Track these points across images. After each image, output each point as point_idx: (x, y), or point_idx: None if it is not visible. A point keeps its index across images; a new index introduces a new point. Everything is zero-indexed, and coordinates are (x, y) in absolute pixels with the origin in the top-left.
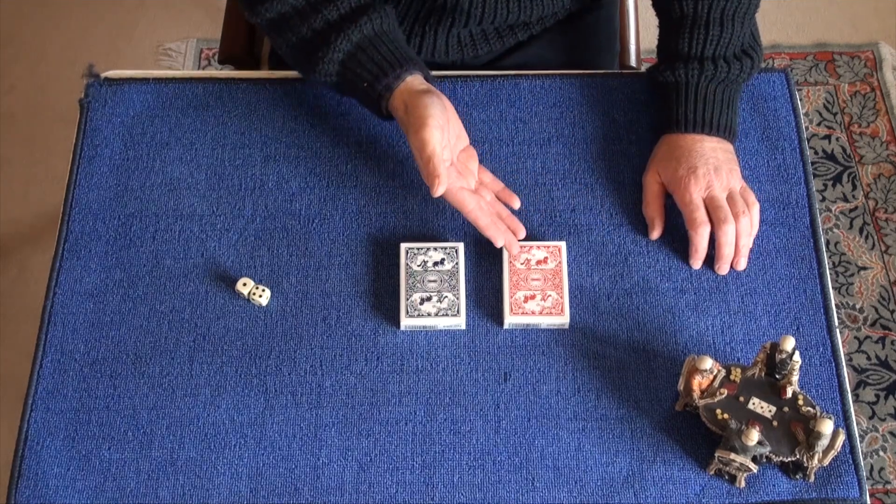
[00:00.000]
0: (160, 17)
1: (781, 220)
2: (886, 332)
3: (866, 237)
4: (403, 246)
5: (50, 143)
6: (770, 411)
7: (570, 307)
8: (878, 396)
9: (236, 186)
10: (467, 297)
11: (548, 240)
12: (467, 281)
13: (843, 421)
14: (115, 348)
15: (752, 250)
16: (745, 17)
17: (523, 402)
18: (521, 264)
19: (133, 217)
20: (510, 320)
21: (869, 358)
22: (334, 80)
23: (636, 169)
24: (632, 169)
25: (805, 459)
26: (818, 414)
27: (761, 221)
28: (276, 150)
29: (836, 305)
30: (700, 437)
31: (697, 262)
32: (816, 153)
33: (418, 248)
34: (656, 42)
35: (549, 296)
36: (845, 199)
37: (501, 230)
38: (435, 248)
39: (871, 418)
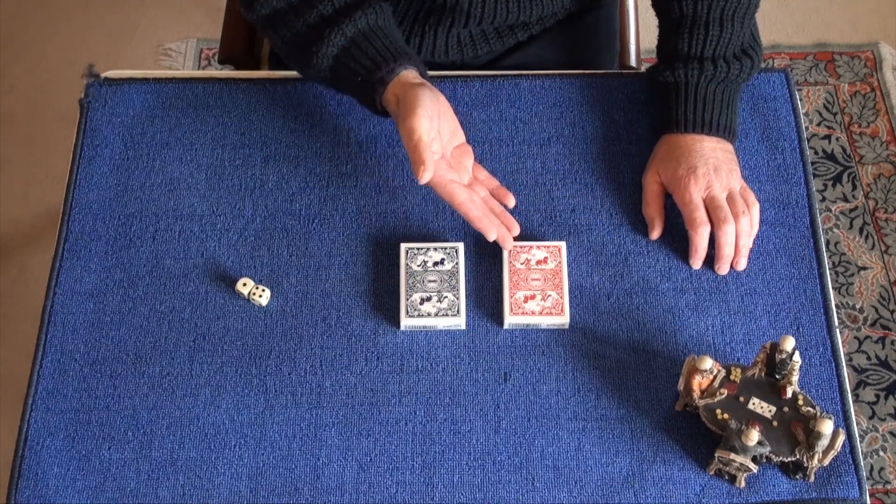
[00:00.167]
0: (160, 17)
1: (781, 220)
2: (886, 332)
3: (866, 237)
4: (403, 246)
5: (50, 143)
6: (770, 411)
7: (570, 307)
8: (878, 396)
9: (236, 186)
10: (467, 297)
11: (548, 240)
12: (467, 281)
13: (843, 421)
14: (115, 348)
15: (752, 250)
16: (744, 17)
17: (523, 402)
18: (521, 264)
19: (133, 217)
20: (510, 320)
21: (869, 358)
22: (328, 75)
23: (636, 169)
24: (632, 169)
25: (805, 459)
26: (818, 414)
27: (761, 221)
28: (276, 150)
29: (836, 305)
30: (700, 437)
31: (697, 262)
32: (816, 153)
33: (418, 248)
34: (656, 42)
35: (549, 296)
36: (845, 199)
37: (494, 223)
38: (435, 248)
39: (871, 418)
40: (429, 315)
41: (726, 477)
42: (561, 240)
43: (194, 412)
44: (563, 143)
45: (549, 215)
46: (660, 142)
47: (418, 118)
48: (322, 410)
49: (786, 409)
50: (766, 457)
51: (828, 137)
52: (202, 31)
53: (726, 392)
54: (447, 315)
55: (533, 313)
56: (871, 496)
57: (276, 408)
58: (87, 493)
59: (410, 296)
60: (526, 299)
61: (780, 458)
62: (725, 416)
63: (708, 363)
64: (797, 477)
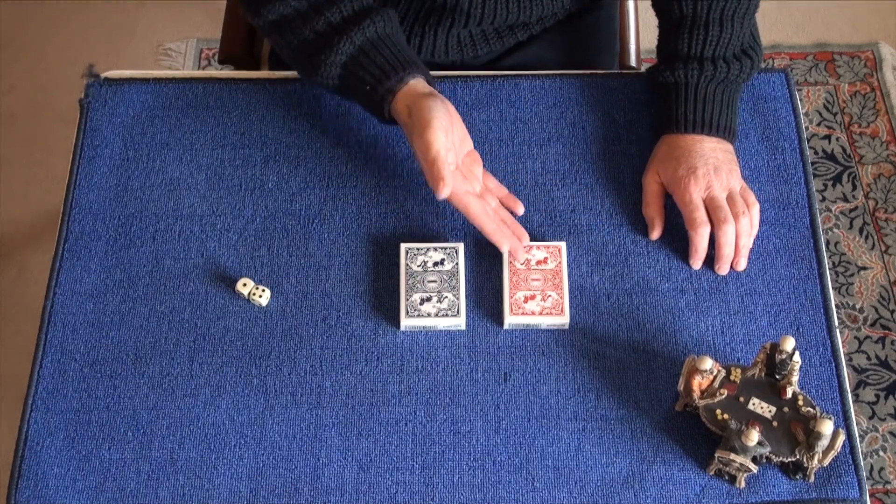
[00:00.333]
0: (160, 18)
1: (781, 220)
2: (886, 332)
3: (866, 237)
4: (403, 246)
5: (50, 143)
6: (770, 411)
7: (570, 307)
8: (878, 396)
9: (236, 186)
10: (467, 297)
11: (548, 240)
12: (467, 281)
13: (843, 421)
14: (115, 348)
15: (752, 250)
16: (744, 17)
17: (523, 402)
18: (521, 264)
19: (133, 217)
20: (510, 320)
21: (869, 358)
22: (336, 83)
23: (636, 169)
24: (632, 169)
25: (805, 460)
26: (818, 414)
27: (761, 221)
28: (276, 150)
29: (836, 305)
30: (700, 437)
31: (697, 263)
32: (816, 153)
33: (418, 249)
34: (656, 42)
35: (549, 296)
36: (845, 199)
37: (507, 235)
38: (435, 249)
39: (871, 418)
40: (429, 315)
41: (726, 477)
42: (561, 240)
43: (194, 412)
44: (563, 143)
45: (549, 215)
46: (660, 142)
47: (434, 131)
48: (322, 411)
49: (786, 409)
50: (766, 457)
51: (828, 137)
52: (202, 31)
53: (726, 392)
54: (447, 315)
55: (533, 313)
56: (871, 496)
57: (276, 408)
58: (87, 493)
59: (410, 296)
60: (526, 299)
61: (780, 459)
62: (725, 416)
63: (708, 363)
64: (797, 477)
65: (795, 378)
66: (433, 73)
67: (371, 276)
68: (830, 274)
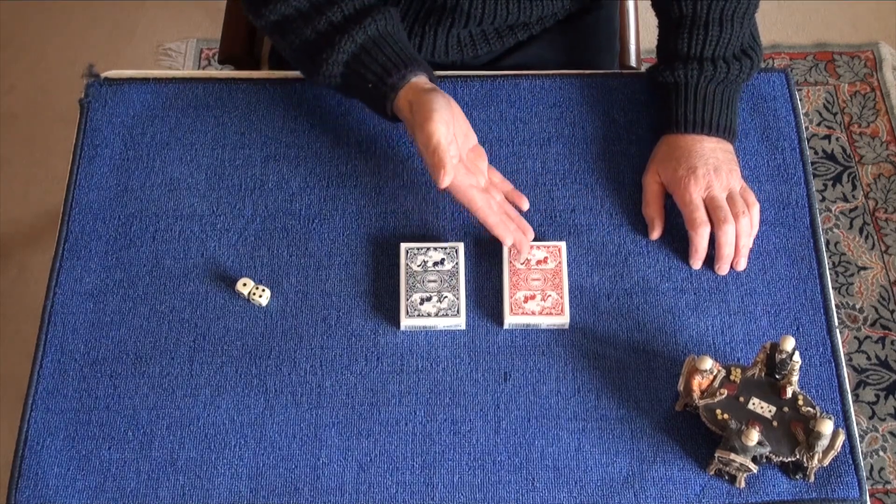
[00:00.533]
0: (160, 18)
1: (781, 220)
2: (886, 332)
3: (866, 237)
4: (403, 246)
5: (50, 143)
6: (770, 411)
7: (570, 307)
8: (878, 396)
9: (236, 186)
10: (467, 297)
11: (548, 240)
12: (467, 281)
13: (843, 421)
14: (115, 348)
15: (752, 250)
16: (744, 17)
17: (523, 402)
18: (521, 264)
19: (133, 217)
20: (510, 320)
21: (869, 358)
22: (339, 82)
23: (636, 169)
24: (632, 169)
25: (805, 459)
26: (818, 414)
27: (761, 221)
28: (276, 150)
29: (836, 305)
30: (700, 437)
31: (697, 263)
32: (816, 153)
33: (418, 248)
34: (656, 42)
35: (549, 296)
36: (845, 199)
37: (511, 229)
38: (435, 248)
39: (871, 418)
40: (429, 315)
41: (726, 477)
42: (561, 240)
43: (194, 412)
44: (563, 143)
45: (549, 215)
46: (660, 142)
47: (435, 122)
48: (322, 410)
49: (786, 409)
50: (766, 457)
51: (828, 137)
52: (202, 31)
53: (726, 392)
54: (447, 315)
55: (533, 313)
56: (871, 496)
57: (276, 408)
58: (87, 493)
59: (410, 296)
60: (526, 299)
61: (780, 458)
62: (725, 416)
63: (708, 363)
64: (797, 477)
65: (795, 378)
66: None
67: (371, 276)
68: (830, 274)
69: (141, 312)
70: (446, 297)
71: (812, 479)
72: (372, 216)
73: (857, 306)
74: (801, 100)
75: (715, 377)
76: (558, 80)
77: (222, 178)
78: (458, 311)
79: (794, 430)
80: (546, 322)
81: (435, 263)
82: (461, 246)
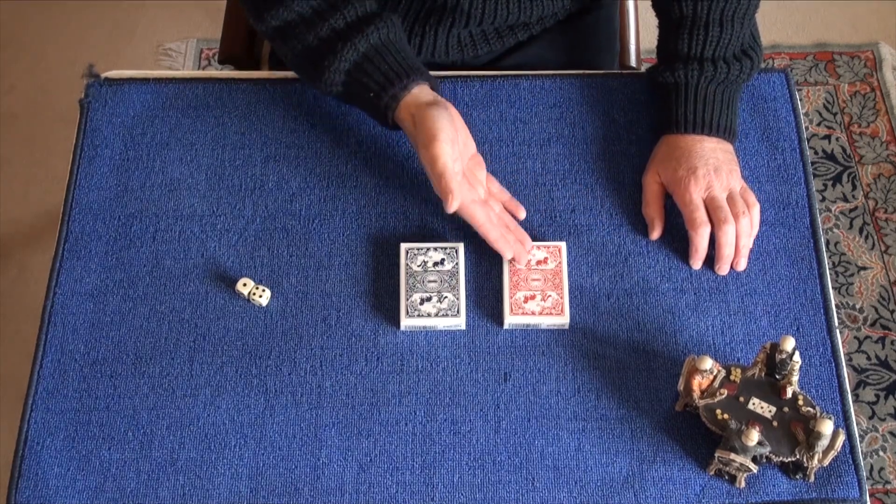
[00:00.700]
0: (160, 18)
1: (781, 221)
2: (886, 332)
3: (866, 237)
4: (403, 246)
5: (50, 143)
6: (770, 411)
7: (570, 307)
8: (878, 396)
9: (236, 187)
10: (467, 297)
11: (548, 240)
12: (467, 281)
13: (843, 421)
14: (115, 348)
15: (752, 251)
16: (744, 17)
17: (523, 402)
18: (521, 264)
19: (133, 217)
20: (510, 320)
21: (869, 358)
22: (340, 90)
23: (636, 169)
24: (632, 169)
25: (805, 459)
26: (818, 414)
27: (761, 222)
28: (276, 150)
29: (836, 305)
30: (700, 437)
31: (697, 263)
32: (816, 153)
33: (418, 249)
34: (656, 42)
35: (549, 296)
36: (845, 199)
37: (510, 243)
38: (435, 249)
39: (871, 418)
40: (429, 315)
41: (726, 477)
42: (561, 240)
43: (194, 412)
44: (563, 143)
45: (549, 215)
46: (660, 142)
47: (440, 143)
48: (322, 410)
49: (786, 409)
50: (766, 457)
51: (828, 137)
52: (202, 31)
53: (726, 392)
54: (447, 315)
55: (533, 313)
56: (871, 496)
57: (276, 408)
58: (87, 494)
59: (410, 296)
60: (526, 299)
61: (780, 459)
62: (725, 416)
63: (708, 363)
64: (797, 477)
65: (795, 378)
66: (433, 73)
67: (371, 276)
68: (830, 274)
69: (141, 312)
70: (446, 297)
71: (812, 479)
72: (372, 216)
73: (857, 306)
74: (801, 100)
75: (715, 377)
76: (558, 81)
77: (222, 178)
78: (458, 312)
79: (794, 430)
80: (546, 322)
81: (435, 263)
82: (461, 246)
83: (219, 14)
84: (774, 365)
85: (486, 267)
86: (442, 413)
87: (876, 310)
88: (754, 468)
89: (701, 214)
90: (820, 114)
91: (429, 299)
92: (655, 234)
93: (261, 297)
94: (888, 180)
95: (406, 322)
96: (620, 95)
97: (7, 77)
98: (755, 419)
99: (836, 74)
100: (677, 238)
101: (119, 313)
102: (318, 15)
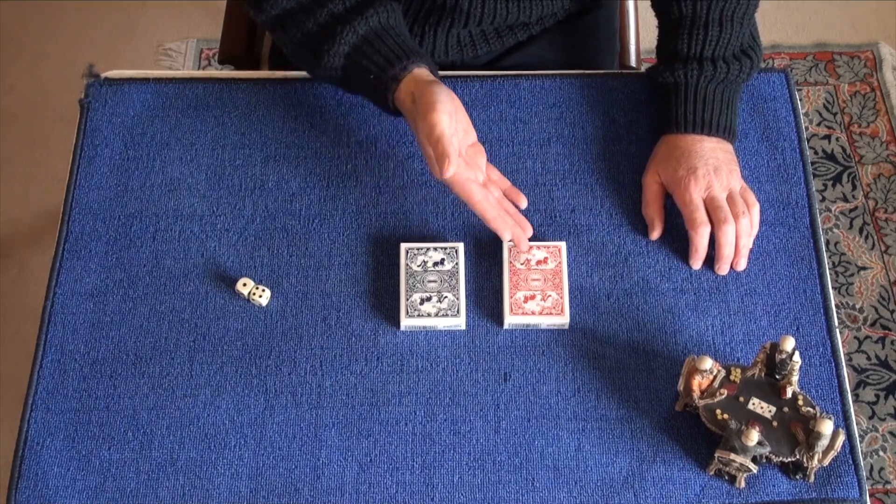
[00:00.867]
0: (160, 18)
1: (781, 221)
2: (886, 332)
3: (866, 237)
4: (403, 246)
5: (50, 143)
6: (770, 411)
7: (570, 307)
8: (878, 396)
9: (236, 186)
10: (467, 297)
11: (548, 240)
12: (467, 281)
13: (843, 421)
14: (115, 348)
15: (752, 250)
16: (744, 17)
17: (523, 402)
18: (521, 264)
19: (133, 217)
20: (510, 320)
21: (869, 358)
22: (339, 74)
23: (636, 169)
24: (632, 169)
25: (805, 460)
26: (818, 414)
27: (761, 222)
28: (276, 150)
29: (836, 305)
30: (700, 437)
31: (697, 263)
32: (816, 153)
33: (418, 249)
34: (656, 42)
35: (549, 296)
36: (845, 199)
37: (509, 224)
38: (435, 249)
39: (871, 418)
40: (429, 315)
41: (726, 477)
42: (561, 240)
43: (194, 412)
44: (563, 143)
45: (549, 215)
46: (660, 142)
47: (438, 113)
48: (322, 410)
49: (786, 409)
50: (766, 457)
51: (828, 137)
52: (202, 31)
53: (726, 392)
54: (447, 315)
55: (533, 313)
56: (871, 496)
57: (276, 408)
58: (87, 494)
59: (410, 296)
60: (526, 299)
61: (780, 459)
62: (725, 416)
63: (708, 363)
64: (797, 477)
65: (795, 378)
66: None
67: (371, 276)
68: (830, 274)
69: (141, 312)
70: (446, 297)
71: (812, 479)
72: (372, 216)
73: (857, 306)
74: (801, 100)
75: (715, 377)
76: (558, 80)
77: (222, 178)
78: (458, 312)
79: (794, 430)
80: (546, 322)
81: (435, 263)
82: (461, 246)
83: (219, 14)
84: (774, 365)
85: (486, 267)
86: (442, 413)
87: (876, 310)
88: (754, 468)
89: (701, 214)
90: (820, 114)
91: (429, 299)
92: (655, 234)
93: (261, 297)
94: (888, 180)
95: (406, 322)
96: (620, 95)
97: (7, 77)
98: (755, 419)
99: (836, 74)
100: (677, 238)
101: (119, 313)
102: (317, 2)
